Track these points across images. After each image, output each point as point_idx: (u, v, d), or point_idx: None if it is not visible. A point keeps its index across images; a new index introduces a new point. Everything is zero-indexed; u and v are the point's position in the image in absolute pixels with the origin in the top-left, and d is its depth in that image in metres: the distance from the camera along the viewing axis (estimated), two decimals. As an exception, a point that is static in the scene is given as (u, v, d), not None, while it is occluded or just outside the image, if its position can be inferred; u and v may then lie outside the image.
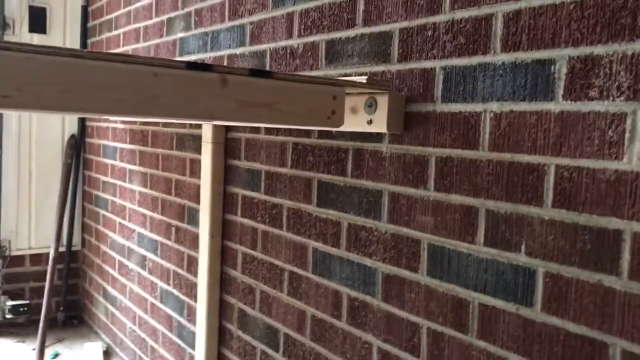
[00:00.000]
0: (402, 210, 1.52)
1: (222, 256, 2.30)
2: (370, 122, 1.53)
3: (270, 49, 2.04)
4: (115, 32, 3.35)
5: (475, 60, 1.33)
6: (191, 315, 2.52)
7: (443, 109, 1.41)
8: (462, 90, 1.36)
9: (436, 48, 1.42)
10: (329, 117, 1.42)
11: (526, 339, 1.22)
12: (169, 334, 2.72)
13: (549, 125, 1.18)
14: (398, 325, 1.53)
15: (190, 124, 2.53)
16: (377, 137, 1.59)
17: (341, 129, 1.50)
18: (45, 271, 3.49)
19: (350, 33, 1.68)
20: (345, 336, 1.71)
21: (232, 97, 1.24)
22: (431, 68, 1.44)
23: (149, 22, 2.93)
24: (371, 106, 1.52)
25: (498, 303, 1.28)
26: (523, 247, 1.23)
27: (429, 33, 1.44)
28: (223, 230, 2.30)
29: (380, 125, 1.50)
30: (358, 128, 1.56)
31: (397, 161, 1.54)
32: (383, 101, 1.48)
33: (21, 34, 3.56)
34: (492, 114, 1.29)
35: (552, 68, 1.18)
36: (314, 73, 1.83)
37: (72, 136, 3.68)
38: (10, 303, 3.54)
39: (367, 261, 1.63)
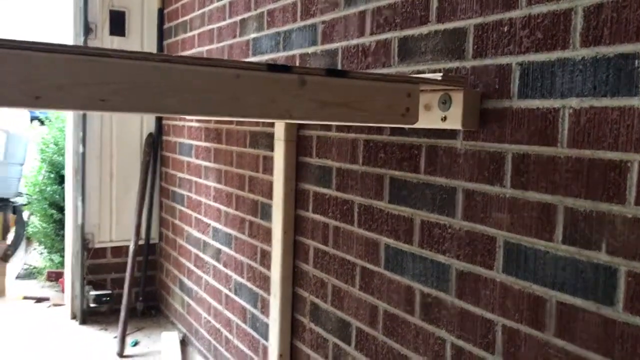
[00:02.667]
0: (477, 207, 1.52)
1: (294, 251, 2.36)
2: (444, 118, 1.53)
3: (342, 48, 2.07)
4: (190, 34, 3.48)
5: (553, 55, 1.31)
6: (265, 308, 2.59)
7: (520, 105, 1.39)
8: (539, 86, 1.34)
9: (512, 44, 1.41)
10: (403, 115, 1.44)
11: (607, 338, 1.20)
12: (243, 325, 2.81)
13: (633, 121, 1.16)
14: (472, 321, 1.53)
15: (264, 123, 2.60)
16: (451, 133, 1.60)
17: (414, 125, 1.51)
18: (126, 263, 3.66)
19: (424, 30, 1.69)
20: (418, 331, 1.72)
21: (310, 97, 1.27)
22: (507, 64, 1.42)
23: (223, 23, 3.02)
24: (445, 103, 1.52)
25: (577, 302, 1.26)
26: (604, 245, 1.20)
27: (505, 29, 1.43)
28: (295, 226, 2.36)
29: (454, 122, 1.50)
30: (432, 125, 1.56)
31: (472, 158, 1.53)
32: (458, 98, 1.48)
33: (103, 37, 3.75)
34: (571, 110, 1.27)
35: (636, 62, 1.15)
36: (386, 71, 1.84)
37: (150, 134, 3.84)
38: (93, 293, 3.75)
39: (441, 258, 1.63)
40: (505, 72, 1.43)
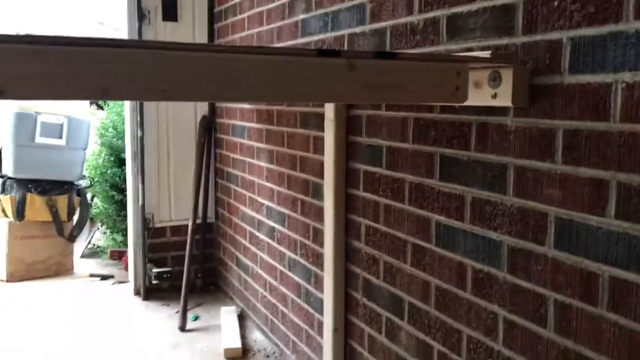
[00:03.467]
0: (529, 183, 1.52)
1: (346, 228, 2.41)
2: (494, 96, 1.54)
3: (390, 27, 2.08)
4: (239, 17, 3.54)
5: (605, 29, 1.30)
6: (318, 283, 2.66)
7: (571, 81, 1.39)
8: (591, 60, 1.33)
9: (563, 18, 1.40)
10: (452, 93, 1.46)
11: (661, 313, 1.20)
12: (298, 300, 2.89)
13: (688, 95, 1.14)
14: (524, 296, 1.55)
15: (314, 103, 2.64)
16: (501, 110, 1.60)
17: (464, 103, 1.52)
18: (184, 241, 3.80)
19: (472, 7, 1.69)
20: (470, 306, 1.75)
21: (360, 80, 1.31)
22: (557, 39, 1.41)
23: (272, 5, 3.06)
24: (495, 80, 1.52)
25: (630, 276, 1.26)
26: (658, 220, 1.20)
27: (555, 3, 1.42)
28: (346, 204, 2.40)
29: (505, 98, 1.51)
30: (482, 102, 1.57)
31: (523, 134, 1.54)
32: (507, 75, 1.49)
33: (156, 22, 3.85)
34: (624, 85, 1.26)
35: (692, 34, 1.13)
36: (435, 49, 1.85)
37: (204, 117, 3.95)
38: (155, 270, 3.92)
39: (492, 234, 1.65)
40: (555, 47, 1.42)
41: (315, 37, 2.62)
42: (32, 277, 4.36)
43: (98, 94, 1.13)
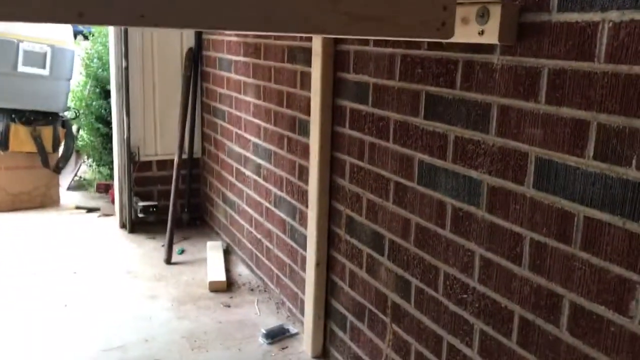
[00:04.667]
0: (511, 123, 1.52)
1: (331, 166, 2.41)
2: (481, 32, 1.51)
3: (380, -41, 2.01)
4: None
5: (597, -35, 1.26)
6: (303, 220, 2.69)
7: (559, 19, 1.36)
8: (580, -2, 1.31)
9: (555, -47, 1.36)
10: (438, 29, 1.42)
11: (631, 252, 1.23)
12: (283, 236, 2.93)
13: (674, 35, 1.12)
14: (501, 235, 1.58)
15: (301, 37, 2.59)
16: (488, 48, 1.57)
17: (451, 40, 1.50)
18: (170, 176, 3.80)
19: (464, -61, 1.63)
20: (448, 244, 1.78)
21: (343, 11, 1.27)
22: (549, -25, 1.38)
23: None
24: (483, 16, 1.49)
25: (604, 217, 1.28)
26: (634, 161, 1.21)
27: (549, -63, 1.37)
28: (332, 142, 2.40)
29: (492, 36, 1.48)
30: (469, 39, 1.54)
31: (508, 73, 1.52)
32: (496, 11, 1.46)
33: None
34: (610, 24, 1.24)
35: (683, -28, 1.10)
36: (424, -17, 1.80)
37: (190, 49, 3.87)
38: (141, 203, 3.93)
39: (473, 173, 1.66)
40: (546, -17, 1.39)
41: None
42: (18, 207, 4.36)
43: (74, 18, 1.09)
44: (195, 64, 3.88)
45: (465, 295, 1.73)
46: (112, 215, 4.26)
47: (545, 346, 1.46)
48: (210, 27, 1.22)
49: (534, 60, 1.43)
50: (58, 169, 4.58)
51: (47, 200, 4.52)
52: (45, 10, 1.03)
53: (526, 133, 1.47)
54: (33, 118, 4.35)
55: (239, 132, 3.43)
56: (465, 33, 1.54)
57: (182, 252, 3.68)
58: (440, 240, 1.82)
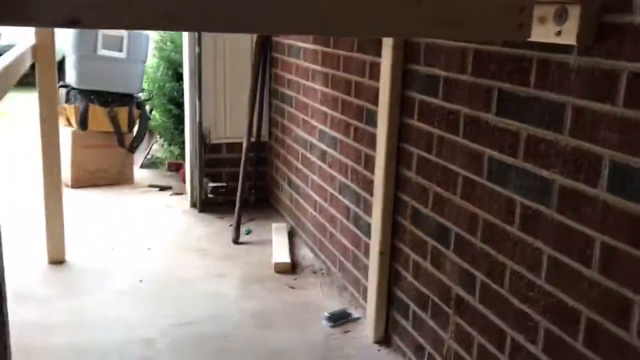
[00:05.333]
0: (586, 124, 1.51)
1: (397, 157, 2.44)
2: (558, 33, 1.50)
3: (456, -48, 2.00)
4: None
5: (685, -32, 1.23)
6: (367, 208, 2.73)
7: (642, 22, 1.33)
8: (666, 1, 1.28)
9: (641, -46, 1.33)
10: (515, 30, 1.42)
11: None
12: (346, 222, 2.99)
13: None
14: (571, 236, 1.57)
15: (372, 27, 2.60)
16: (564, 48, 1.56)
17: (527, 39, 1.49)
18: (239, 158, 3.91)
19: (544, -64, 1.60)
20: (516, 241, 1.79)
21: (425, 14, 1.29)
22: (633, -24, 1.35)
23: None
24: (561, 16, 1.48)
25: (681, 225, 1.26)
26: None
27: (635, -64, 1.34)
28: (399, 133, 2.42)
29: (569, 36, 1.47)
30: (545, 39, 1.53)
31: (585, 74, 1.50)
32: (574, 11, 1.44)
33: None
34: (698, 30, 1.21)
35: None
36: (501, -22, 1.78)
37: (260, 36, 3.94)
38: (211, 184, 4.08)
39: (545, 173, 1.66)
40: (630, -16, 1.36)
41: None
42: (95, 184, 4.60)
43: (167, 25, 1.17)
44: (265, 50, 3.96)
45: (531, 293, 1.73)
46: (182, 194, 4.44)
47: (613, 349, 1.46)
48: (287, 31, 1.27)
49: (614, 62, 1.41)
50: (132, 148, 4.79)
51: (122, 178, 4.75)
52: (140, 19, 1.11)
53: (601, 135, 1.46)
54: (110, 99, 4.56)
55: (306, 118, 3.49)
56: (541, 33, 1.53)
57: (248, 232, 3.80)
58: (507, 237, 1.83)
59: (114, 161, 4.71)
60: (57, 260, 3.25)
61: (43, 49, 3.01)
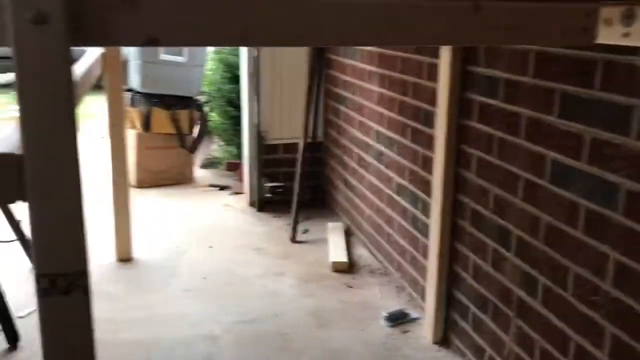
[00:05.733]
0: (654, 128, 1.48)
1: (457, 158, 2.44)
2: (626, 34, 1.47)
3: (516, -47, 1.99)
4: None
5: None
6: (425, 209, 2.74)
7: None
8: None
9: None
10: (579, 35, 1.41)
11: None
12: (404, 223, 3.00)
13: None
14: (639, 241, 1.55)
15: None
16: (632, 50, 1.53)
17: (592, 43, 1.47)
18: (295, 158, 3.98)
19: (610, -64, 1.58)
20: (579, 245, 1.77)
21: (484, 22, 1.30)
22: None
23: None
24: (629, 18, 1.45)
25: None
26: None
27: None
28: (458, 134, 2.42)
29: (637, 38, 1.44)
30: (611, 41, 1.51)
31: (653, 77, 1.48)
32: (643, 14, 1.41)
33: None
34: None
35: None
36: (564, -21, 1.76)
37: (316, 37, 3.99)
38: (268, 184, 4.17)
39: (610, 176, 1.63)
40: (701, -15, 1.33)
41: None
42: (158, 184, 4.77)
43: (237, 41, 1.22)
44: (321, 52, 4.01)
45: (596, 298, 1.72)
46: (241, 193, 4.55)
47: (683, 357, 1.43)
48: (350, 43, 1.30)
49: (684, 65, 1.38)
50: (193, 150, 4.93)
51: (183, 178, 4.90)
52: (218, 37, 1.17)
53: (671, 139, 1.43)
54: (172, 102, 4.71)
55: (362, 119, 3.52)
56: (607, 35, 1.50)
57: (305, 231, 3.86)
58: (571, 241, 1.81)
59: (176, 162, 4.87)
60: (125, 258, 3.40)
61: (111, 57, 3.15)
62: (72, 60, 1.01)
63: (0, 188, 1.08)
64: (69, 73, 1.01)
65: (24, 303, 2.78)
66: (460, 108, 2.40)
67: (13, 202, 1.09)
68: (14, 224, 3.12)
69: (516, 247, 2.09)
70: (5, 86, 9.18)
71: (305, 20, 1.18)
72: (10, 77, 9.62)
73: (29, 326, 2.61)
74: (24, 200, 1.05)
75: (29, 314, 2.74)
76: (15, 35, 0.98)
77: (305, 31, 1.19)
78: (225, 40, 1.23)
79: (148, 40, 1.13)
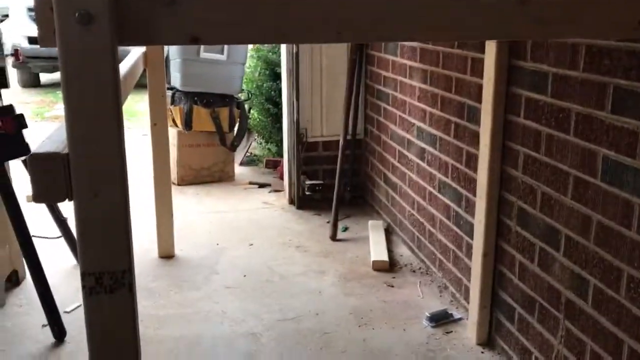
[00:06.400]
0: None
1: (502, 155, 2.38)
2: (685, 25, 1.40)
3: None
4: None
5: None
6: (469, 207, 2.69)
7: None
8: None
9: None
10: (635, 28, 1.35)
11: None
12: (447, 221, 2.95)
13: None
14: (699, 242, 1.47)
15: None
16: (692, 41, 1.45)
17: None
18: (335, 156, 3.96)
19: None
20: (634, 246, 1.70)
21: (531, 15, 1.25)
22: None
23: None
24: (689, 8, 1.38)
25: None
26: None
27: None
28: (504, 130, 2.35)
29: (698, 29, 1.37)
30: (670, 32, 1.43)
31: None
32: None
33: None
34: None
35: None
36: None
37: (356, 33, 3.95)
38: (308, 182, 4.16)
39: (668, 174, 1.56)
40: None
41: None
42: (199, 181, 4.82)
43: (276, 39, 1.20)
44: (361, 47, 3.97)
45: (652, 301, 1.64)
46: (281, 190, 4.55)
47: None
48: (390, 39, 1.27)
49: None
50: (233, 147, 4.96)
51: (223, 175, 4.93)
52: (258, 34, 1.15)
53: None
54: (212, 100, 4.74)
55: (403, 115, 3.47)
56: (666, 26, 1.43)
57: (345, 229, 3.84)
58: (624, 241, 1.74)
59: (216, 159, 4.90)
60: (167, 255, 3.44)
61: (153, 55, 3.19)
62: (117, 59, 1.01)
63: (47, 187, 1.08)
64: (114, 72, 1.01)
65: (71, 298, 2.85)
66: (506, 103, 2.33)
67: (60, 201, 1.10)
68: (60, 222, 3.19)
69: (565, 247, 2.02)
70: (51, 85, 9.45)
71: (343, 15, 1.15)
72: (56, 76, 9.91)
73: (75, 321, 2.67)
74: (70, 199, 1.06)
75: (74, 309, 2.80)
76: (61, 35, 0.99)
77: (342, 27, 1.16)
78: (263, 38, 1.21)
79: (190, 38, 1.12)
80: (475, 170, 2.55)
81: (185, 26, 1.10)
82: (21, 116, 2.60)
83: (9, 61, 2.57)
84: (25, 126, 2.62)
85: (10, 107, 2.59)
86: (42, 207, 3.09)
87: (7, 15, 9.51)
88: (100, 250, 1.07)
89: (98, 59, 1.00)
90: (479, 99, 2.48)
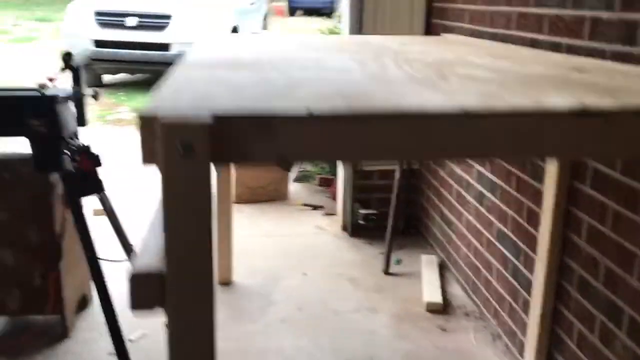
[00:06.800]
0: None
1: (565, 220, 2.36)
2: None
3: (645, 23, 1.89)
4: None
5: None
6: (527, 262, 2.68)
7: None
8: None
9: None
10: None
11: None
12: (504, 272, 2.95)
13: None
14: None
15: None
16: None
17: None
18: (389, 185, 3.98)
19: None
20: (702, 343, 1.68)
21: (615, 136, 1.25)
22: None
23: (502, -36, 2.90)
24: None
25: None
26: None
27: None
28: (569, 196, 2.34)
29: None
30: None
31: None
32: None
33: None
34: None
35: None
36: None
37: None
38: (362, 211, 4.20)
39: None
40: None
41: (549, 10, 2.47)
42: (255, 200, 4.93)
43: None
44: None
45: None
46: (333, 214, 4.62)
47: None
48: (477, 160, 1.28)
49: None
50: (288, 166, 5.04)
51: (278, 194, 5.03)
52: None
53: None
54: (271, 122, 4.83)
55: (463, 154, 3.46)
56: None
57: (398, 262, 3.87)
58: (692, 335, 1.72)
59: (272, 179, 5.00)
60: (226, 282, 3.55)
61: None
62: (211, 179, 1.08)
63: (144, 298, 1.19)
64: (209, 190, 1.09)
65: (135, 324, 2.99)
66: (572, 169, 2.32)
67: (153, 308, 1.20)
68: (126, 245, 3.34)
69: (629, 327, 2.00)
70: (113, 86, 9.78)
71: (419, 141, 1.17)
72: (117, 77, 10.23)
73: (137, 351, 2.80)
74: (163, 307, 1.16)
75: (139, 338, 2.93)
76: (165, 165, 1.07)
77: (416, 146, 1.18)
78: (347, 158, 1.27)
79: (279, 157, 1.20)
80: (535, 227, 2.55)
81: (279, 149, 1.18)
82: (97, 156, 2.74)
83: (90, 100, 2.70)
84: (100, 165, 2.76)
85: (87, 148, 2.73)
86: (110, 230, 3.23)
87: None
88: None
89: (197, 182, 1.07)
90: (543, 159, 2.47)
